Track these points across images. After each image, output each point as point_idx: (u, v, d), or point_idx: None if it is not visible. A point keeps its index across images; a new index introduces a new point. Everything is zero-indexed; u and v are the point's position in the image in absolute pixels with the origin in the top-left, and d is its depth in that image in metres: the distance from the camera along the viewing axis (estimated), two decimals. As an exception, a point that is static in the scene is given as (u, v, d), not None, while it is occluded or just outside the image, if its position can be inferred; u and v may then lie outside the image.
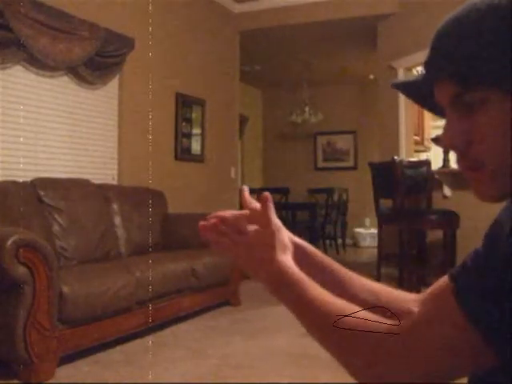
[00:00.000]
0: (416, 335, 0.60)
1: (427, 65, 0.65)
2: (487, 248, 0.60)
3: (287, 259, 0.75)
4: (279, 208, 6.88)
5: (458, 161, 0.64)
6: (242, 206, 0.85)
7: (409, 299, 0.79)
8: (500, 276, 0.55)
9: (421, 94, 0.69)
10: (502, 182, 0.60)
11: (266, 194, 0.77)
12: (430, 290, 0.73)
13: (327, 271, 0.82)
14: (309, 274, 0.76)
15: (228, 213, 0.82)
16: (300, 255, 0.80)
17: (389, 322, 0.63)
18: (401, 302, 0.79)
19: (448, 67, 0.61)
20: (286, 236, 0.78)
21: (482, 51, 0.56)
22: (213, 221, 0.81)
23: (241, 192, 0.82)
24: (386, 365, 0.62)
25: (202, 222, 0.81)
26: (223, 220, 0.81)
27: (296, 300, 0.71)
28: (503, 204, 0.63)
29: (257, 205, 0.79)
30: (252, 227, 0.79)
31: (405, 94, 0.74)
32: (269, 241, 0.75)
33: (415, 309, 0.75)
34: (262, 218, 0.77)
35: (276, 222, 0.77)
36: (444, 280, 0.66)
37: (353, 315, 0.65)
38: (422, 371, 0.60)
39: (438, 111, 0.68)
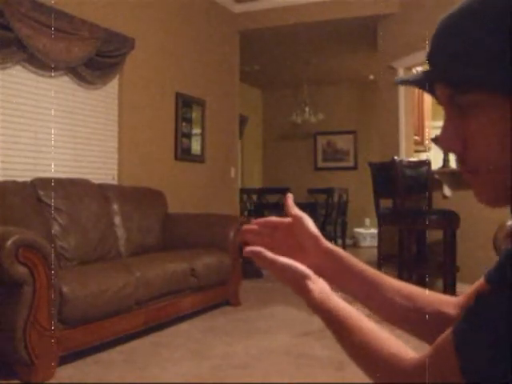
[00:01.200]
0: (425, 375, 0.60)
1: (427, 61, 0.64)
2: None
3: (315, 287, 0.74)
4: (279, 208, 6.88)
5: (458, 163, 0.63)
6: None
7: (446, 302, 0.78)
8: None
9: (425, 86, 0.68)
10: (496, 188, 0.59)
11: (289, 194, 0.87)
12: (467, 293, 0.72)
13: (362, 276, 0.82)
14: (343, 279, 0.80)
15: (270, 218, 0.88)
16: (334, 262, 0.82)
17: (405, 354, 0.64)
18: (437, 306, 0.78)
19: (439, 69, 0.61)
20: (310, 224, 0.83)
21: (470, 55, 0.55)
22: (253, 226, 0.87)
23: (285, 199, 0.88)
24: None
25: (245, 226, 0.88)
26: (263, 223, 0.87)
27: (331, 325, 0.73)
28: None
29: (297, 211, 0.84)
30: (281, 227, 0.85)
31: (411, 86, 0.74)
32: (294, 275, 0.76)
33: (452, 312, 0.75)
34: (286, 212, 0.84)
35: (299, 212, 0.84)
36: (481, 282, 0.65)
37: (373, 342, 0.67)
38: None
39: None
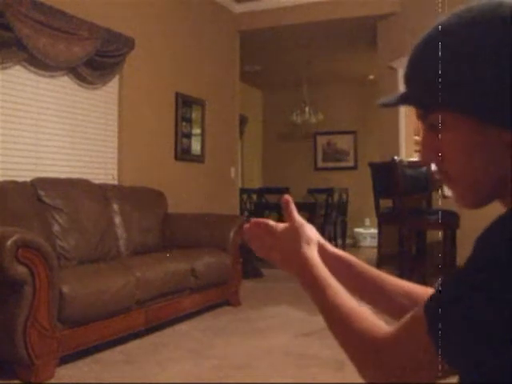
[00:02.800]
0: (394, 347, 0.64)
1: (404, 85, 0.72)
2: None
3: (312, 252, 0.82)
4: (279, 208, 6.88)
5: (436, 173, 0.70)
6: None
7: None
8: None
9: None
10: (470, 194, 0.66)
11: (287, 196, 0.88)
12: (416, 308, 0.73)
13: (368, 279, 0.87)
14: (351, 283, 0.84)
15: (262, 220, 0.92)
16: (342, 266, 0.88)
17: (379, 328, 0.68)
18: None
19: (411, 92, 0.69)
20: (309, 230, 0.86)
21: (434, 80, 0.62)
22: (248, 225, 0.92)
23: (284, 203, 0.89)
24: (370, 370, 0.69)
25: (246, 225, 0.93)
26: (256, 223, 0.91)
27: (314, 293, 0.77)
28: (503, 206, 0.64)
29: (298, 219, 0.87)
30: (280, 228, 0.88)
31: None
32: (294, 236, 0.84)
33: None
34: (287, 217, 0.86)
35: (298, 219, 0.86)
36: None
37: (357, 317, 0.70)
38: (399, 379, 0.65)
39: None
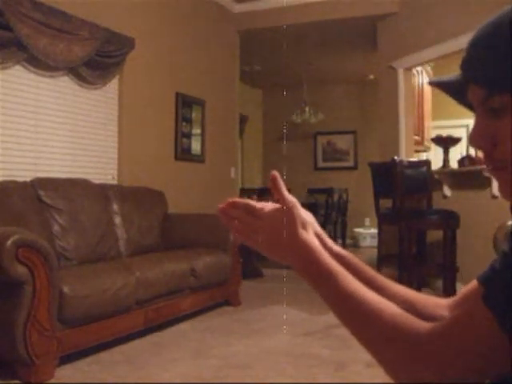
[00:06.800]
0: (446, 339, 0.61)
1: (462, 67, 0.68)
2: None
3: (310, 236, 0.73)
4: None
5: (485, 160, 0.67)
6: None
7: (440, 305, 0.80)
8: None
9: (456, 90, 0.72)
10: None
11: (274, 172, 0.75)
12: (460, 294, 0.72)
13: (363, 277, 0.80)
14: None
15: (238, 201, 0.78)
16: (332, 257, 0.79)
17: (419, 323, 0.64)
18: (433, 308, 0.79)
19: (476, 71, 0.65)
20: (303, 212, 0.76)
21: (507, 58, 0.59)
22: (223, 205, 0.77)
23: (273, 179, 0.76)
24: (415, 365, 0.63)
25: (220, 205, 0.78)
26: (234, 204, 0.77)
27: (323, 282, 0.70)
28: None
29: (289, 197, 0.75)
30: (267, 209, 0.75)
31: (441, 89, 0.76)
32: (287, 218, 0.73)
33: (446, 313, 0.76)
34: (275, 196, 0.74)
35: (290, 198, 0.74)
36: (474, 284, 0.66)
37: (384, 309, 0.66)
38: (450, 374, 0.61)
39: (471, 107, 0.71)
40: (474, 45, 0.66)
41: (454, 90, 0.72)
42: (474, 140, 0.66)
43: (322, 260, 0.71)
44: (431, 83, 0.75)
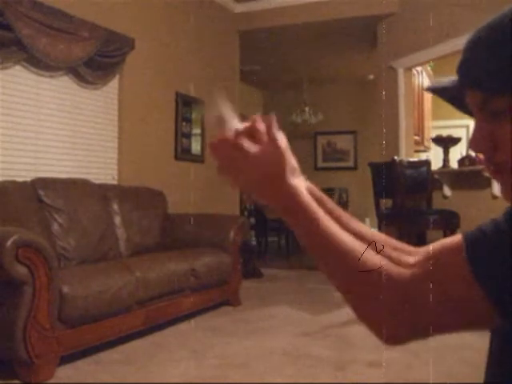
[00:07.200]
0: (421, 288, 0.64)
1: (458, 71, 0.68)
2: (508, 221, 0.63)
3: (297, 181, 0.72)
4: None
5: (485, 164, 0.67)
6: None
7: (407, 250, 0.80)
8: None
9: (454, 96, 0.72)
10: None
11: (272, 116, 0.72)
12: (434, 247, 0.73)
13: (327, 211, 0.77)
14: None
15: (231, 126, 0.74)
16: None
17: (395, 266, 0.67)
18: (398, 252, 0.79)
19: (473, 75, 0.65)
20: (292, 157, 0.74)
21: (504, 61, 0.60)
22: (215, 141, 0.75)
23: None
24: (387, 310, 0.66)
25: (212, 141, 0.75)
26: (223, 140, 0.74)
27: (306, 227, 0.70)
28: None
29: (280, 136, 0.72)
30: (257, 146, 0.71)
31: (438, 96, 0.76)
32: (276, 159, 0.70)
33: (412, 260, 0.76)
34: (267, 135, 0.71)
35: (283, 140, 0.72)
36: (451, 240, 0.67)
37: (359, 253, 0.68)
38: (423, 322, 0.65)
39: (470, 113, 0.71)
40: (469, 48, 0.66)
41: (452, 95, 0.72)
42: (474, 145, 0.67)
43: (305, 205, 0.70)
44: (428, 90, 0.75)
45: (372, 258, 0.68)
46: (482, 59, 0.63)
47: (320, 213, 0.71)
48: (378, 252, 0.73)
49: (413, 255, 0.77)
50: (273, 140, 0.71)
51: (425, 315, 0.64)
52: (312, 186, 0.80)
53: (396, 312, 0.66)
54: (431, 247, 0.72)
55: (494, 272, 0.60)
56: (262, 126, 0.72)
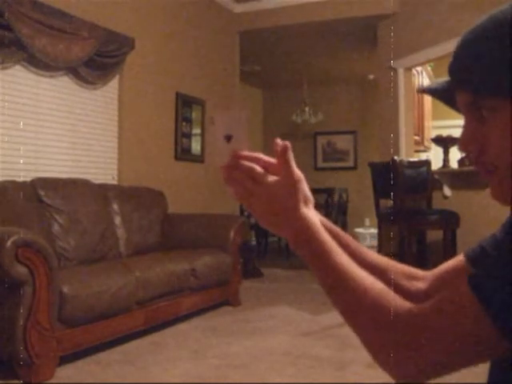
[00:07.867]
0: (430, 322, 0.61)
1: (449, 72, 0.69)
2: (506, 236, 0.63)
3: (311, 213, 0.72)
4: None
5: (475, 165, 0.68)
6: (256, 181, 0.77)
7: (417, 276, 0.81)
8: None
9: (446, 97, 0.73)
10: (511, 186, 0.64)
11: (286, 142, 0.72)
12: (440, 270, 0.72)
13: (349, 254, 0.77)
14: None
15: (245, 156, 0.73)
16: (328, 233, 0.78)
17: (405, 303, 0.64)
18: (408, 280, 0.81)
19: (462, 76, 0.67)
20: (307, 188, 0.74)
21: (492, 63, 0.61)
22: (227, 164, 0.74)
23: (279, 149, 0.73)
24: (393, 346, 0.63)
25: (223, 165, 0.74)
26: (237, 166, 0.73)
27: (317, 259, 0.70)
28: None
29: (298, 171, 0.74)
30: (271, 178, 0.72)
31: (433, 97, 0.79)
32: (291, 191, 0.71)
33: (422, 286, 0.78)
34: (282, 167, 0.72)
35: (297, 172, 0.73)
36: (457, 261, 0.67)
37: (368, 288, 0.66)
38: (431, 358, 0.61)
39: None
40: (459, 50, 0.67)
41: (445, 96, 0.73)
42: (462, 145, 0.68)
43: (321, 238, 0.70)
44: (420, 91, 0.76)
45: (380, 297, 0.65)
46: (472, 60, 0.64)
47: (333, 245, 0.70)
48: (389, 283, 0.71)
49: (421, 281, 0.79)
50: (287, 172, 0.72)
51: (434, 352, 0.60)
52: (324, 219, 0.81)
53: (403, 350, 0.62)
54: (437, 271, 0.72)
55: (497, 295, 0.57)
56: (278, 159, 0.73)
